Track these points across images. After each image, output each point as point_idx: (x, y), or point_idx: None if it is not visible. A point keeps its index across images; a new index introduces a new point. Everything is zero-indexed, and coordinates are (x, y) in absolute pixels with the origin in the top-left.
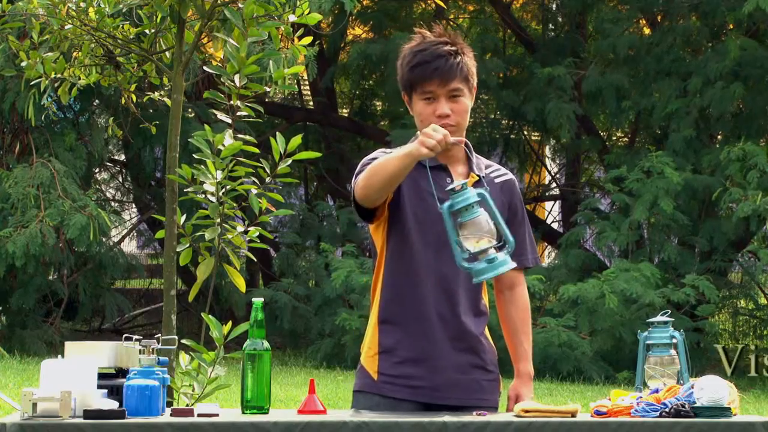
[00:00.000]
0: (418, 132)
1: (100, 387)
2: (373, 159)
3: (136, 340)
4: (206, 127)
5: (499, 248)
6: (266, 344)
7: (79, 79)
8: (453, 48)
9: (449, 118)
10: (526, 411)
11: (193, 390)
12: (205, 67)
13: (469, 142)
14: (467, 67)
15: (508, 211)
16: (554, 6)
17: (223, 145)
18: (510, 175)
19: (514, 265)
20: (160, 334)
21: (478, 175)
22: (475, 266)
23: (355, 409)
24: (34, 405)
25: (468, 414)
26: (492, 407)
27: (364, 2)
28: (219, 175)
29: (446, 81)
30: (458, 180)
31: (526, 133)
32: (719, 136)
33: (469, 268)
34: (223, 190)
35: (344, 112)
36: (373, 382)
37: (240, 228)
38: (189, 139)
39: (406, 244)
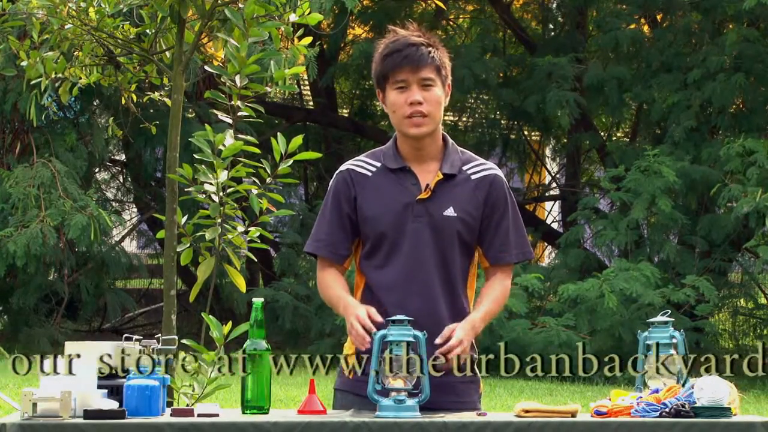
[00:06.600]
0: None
1: (100, 387)
2: (336, 187)
3: (136, 340)
4: (207, 127)
5: (413, 394)
6: (266, 344)
7: (80, 78)
8: (425, 40)
9: (421, 106)
10: (527, 411)
11: (193, 390)
12: (205, 67)
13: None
14: (439, 59)
15: (483, 207)
16: (554, 5)
17: (224, 145)
18: (492, 171)
19: (418, 415)
20: (160, 334)
21: (443, 173)
22: (382, 401)
23: (335, 407)
24: (34, 405)
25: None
26: (471, 409)
27: (365, 2)
28: (223, 176)
29: (417, 68)
30: (429, 177)
31: (525, 133)
32: (720, 135)
33: (376, 400)
34: (225, 191)
35: (344, 112)
36: (349, 381)
37: (240, 228)
38: (189, 139)
39: (381, 252)
